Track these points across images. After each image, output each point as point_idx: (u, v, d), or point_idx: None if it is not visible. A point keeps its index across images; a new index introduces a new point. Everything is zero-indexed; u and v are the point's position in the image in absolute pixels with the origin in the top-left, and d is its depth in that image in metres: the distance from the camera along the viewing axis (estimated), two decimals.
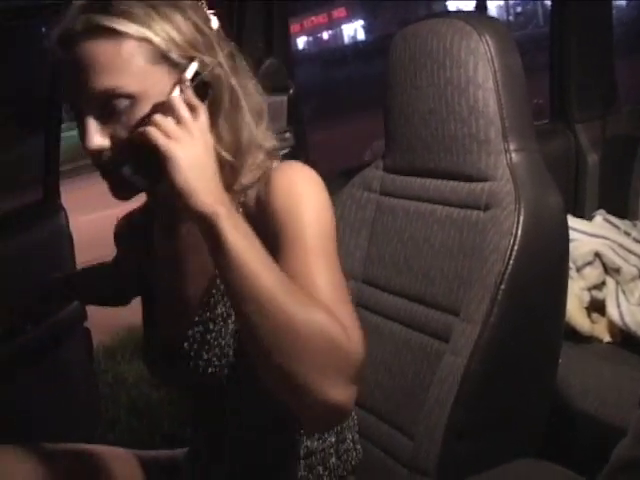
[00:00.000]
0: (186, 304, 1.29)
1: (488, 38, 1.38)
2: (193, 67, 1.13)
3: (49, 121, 2.58)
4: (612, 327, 2.14)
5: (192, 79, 1.12)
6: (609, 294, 2.17)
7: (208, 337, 1.25)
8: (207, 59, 1.15)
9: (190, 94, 1.09)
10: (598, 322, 2.17)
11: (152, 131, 1.05)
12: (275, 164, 1.25)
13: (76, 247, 2.63)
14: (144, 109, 1.11)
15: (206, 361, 1.24)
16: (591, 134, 2.61)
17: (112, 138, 1.14)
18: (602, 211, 2.45)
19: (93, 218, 9.97)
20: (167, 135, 1.05)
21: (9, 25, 2.28)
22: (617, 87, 2.78)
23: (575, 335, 2.10)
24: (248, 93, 1.23)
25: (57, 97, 2.54)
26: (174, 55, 1.13)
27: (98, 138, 1.13)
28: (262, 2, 2.38)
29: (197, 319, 1.26)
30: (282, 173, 1.19)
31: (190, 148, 1.04)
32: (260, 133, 1.24)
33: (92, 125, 1.13)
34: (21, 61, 2.59)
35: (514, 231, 1.29)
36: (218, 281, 1.24)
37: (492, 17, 1.56)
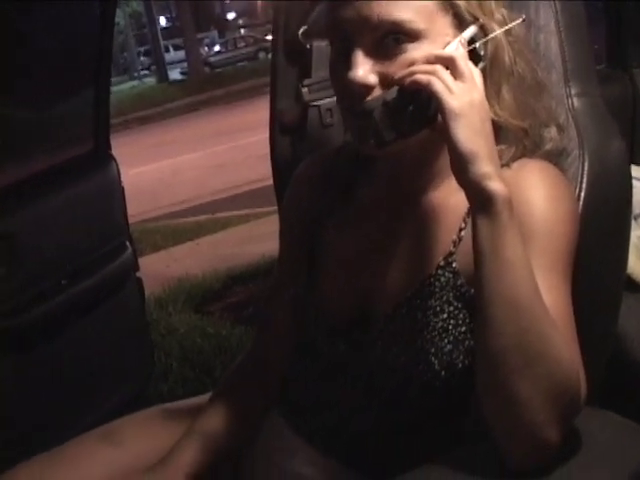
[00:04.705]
0: (391, 280, 1.20)
1: None
2: (472, 30, 1.08)
3: (99, 74, 2.59)
4: None
5: (469, 43, 1.07)
6: None
7: (410, 324, 1.15)
8: (488, 24, 1.09)
9: (466, 57, 1.04)
10: None
11: (434, 81, 1.00)
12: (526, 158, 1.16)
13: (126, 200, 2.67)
14: (422, 53, 1.05)
15: (402, 349, 1.15)
16: None
17: (380, 77, 1.07)
18: None
19: (142, 171, 10.10)
20: (449, 89, 0.99)
21: None
22: None
23: (631, 284, 2.07)
24: (522, 67, 1.14)
25: (107, 51, 2.56)
26: (461, 8, 1.08)
27: (367, 72, 1.06)
28: None
29: (402, 300, 1.17)
30: (542, 171, 1.13)
31: (472, 109, 0.99)
32: (527, 113, 1.15)
33: (364, 58, 1.07)
34: (70, 15, 2.58)
35: (579, 178, 1.26)
36: (440, 272, 1.14)
37: None
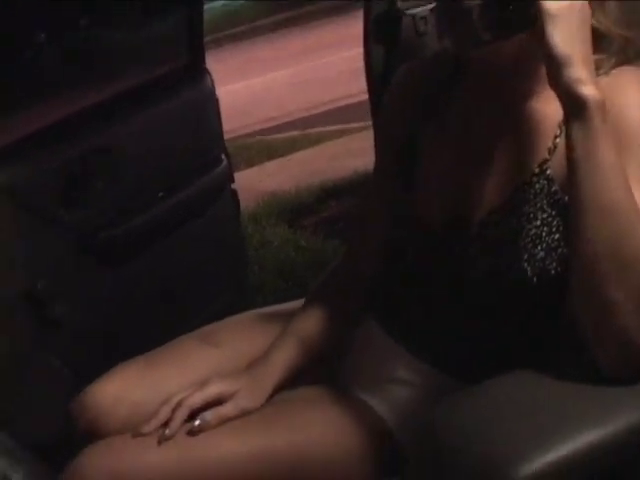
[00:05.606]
0: (486, 186, 1.20)
1: None
2: None
3: None
4: None
5: None
6: None
7: (504, 230, 1.16)
8: None
9: None
10: None
11: None
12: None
13: None
14: None
15: (495, 255, 1.16)
16: None
17: None
18: None
19: (234, 89, 10.12)
20: None
21: None
22: None
23: None
24: None
25: None
26: None
27: None
28: None
29: (497, 206, 1.18)
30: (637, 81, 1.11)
31: (571, 12, 0.98)
32: (633, 23, 1.13)
33: None
34: None
35: None
36: (535, 179, 1.14)
37: None
